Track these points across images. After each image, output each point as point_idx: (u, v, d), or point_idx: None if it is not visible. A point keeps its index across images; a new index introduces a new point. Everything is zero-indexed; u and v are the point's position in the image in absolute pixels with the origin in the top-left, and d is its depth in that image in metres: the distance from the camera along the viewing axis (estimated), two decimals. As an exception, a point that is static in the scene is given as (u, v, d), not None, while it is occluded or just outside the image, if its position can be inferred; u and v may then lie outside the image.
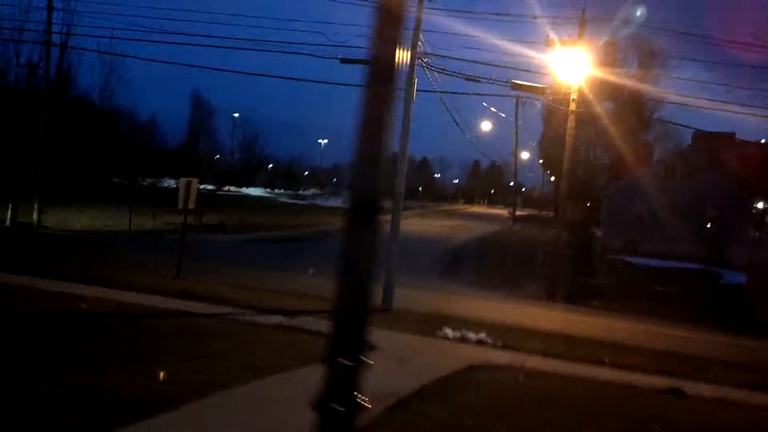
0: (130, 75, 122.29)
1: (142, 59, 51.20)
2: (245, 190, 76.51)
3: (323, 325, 13.96)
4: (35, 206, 28.51)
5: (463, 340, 15.19)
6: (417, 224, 55.00)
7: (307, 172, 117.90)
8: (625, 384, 12.05)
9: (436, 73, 21.10)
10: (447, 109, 24.16)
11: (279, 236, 35.82)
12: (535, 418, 7.84)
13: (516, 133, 54.88)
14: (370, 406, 3.07)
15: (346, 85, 20.63)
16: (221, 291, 17.40)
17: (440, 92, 20.66)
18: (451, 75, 19.73)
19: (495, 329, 16.78)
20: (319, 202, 66.27)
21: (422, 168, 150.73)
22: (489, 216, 65.43)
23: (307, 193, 79.79)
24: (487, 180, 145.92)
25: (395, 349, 12.72)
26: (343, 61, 19.81)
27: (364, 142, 3.26)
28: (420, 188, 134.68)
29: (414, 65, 19.11)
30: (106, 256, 21.87)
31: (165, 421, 6.41)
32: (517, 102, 51.34)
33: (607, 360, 14.61)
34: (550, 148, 70.19)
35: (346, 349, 3.15)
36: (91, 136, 54.16)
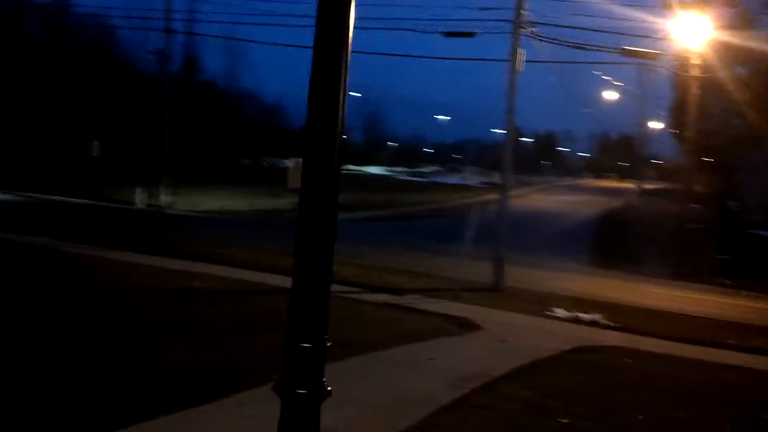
0: (254, 58, 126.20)
1: (263, 43, 52.11)
2: (365, 169, 77.44)
3: (430, 304, 14.19)
4: (163, 188, 29.97)
5: (576, 320, 14.68)
6: (537, 200, 53.76)
7: (428, 150, 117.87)
8: (746, 368, 11.27)
9: (544, 42, 20.33)
10: (558, 80, 23.23)
11: (394, 214, 36.01)
12: (625, 401, 7.45)
13: (642, 102, 52.36)
14: (330, 389, 2.90)
15: (455, 59, 20.16)
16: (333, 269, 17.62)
17: (545, 62, 19.90)
18: (553, 43, 18.91)
19: (611, 309, 16.16)
20: (438, 179, 66.15)
21: (548, 142, 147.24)
22: (616, 190, 63.07)
23: (426, 170, 79.75)
24: (618, 152, 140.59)
25: (499, 329, 12.47)
26: (447, 34, 19.46)
27: (317, 114, 3.02)
28: (546, 163, 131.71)
29: (518, 34, 18.47)
30: (228, 236, 22.64)
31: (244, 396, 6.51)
32: (640, 70, 48.86)
33: (732, 342, 13.76)
34: (681, 117, 66.77)
35: (306, 332, 2.97)
36: (218, 119, 56.21)
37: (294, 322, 3.01)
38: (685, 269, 25.23)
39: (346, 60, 3.09)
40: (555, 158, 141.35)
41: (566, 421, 6.52)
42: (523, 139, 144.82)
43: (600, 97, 52.15)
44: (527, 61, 19.23)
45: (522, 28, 18.86)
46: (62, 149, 27.73)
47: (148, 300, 11.40)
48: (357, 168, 71.66)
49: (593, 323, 14.54)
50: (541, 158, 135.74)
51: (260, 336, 9.12)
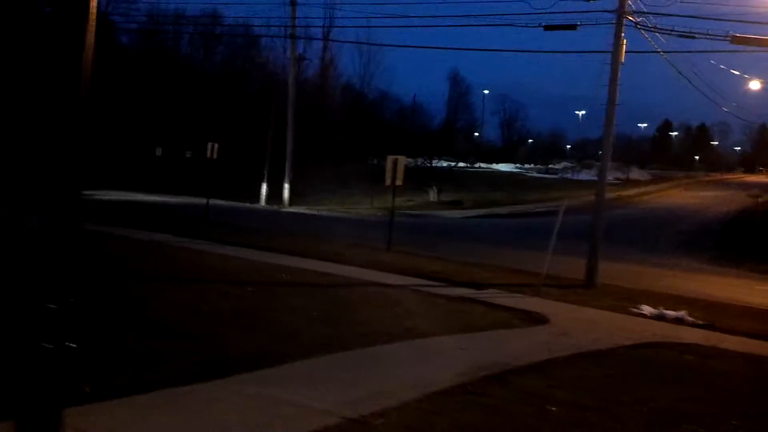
0: (388, 60, 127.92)
1: (397, 46, 53.35)
2: (495, 166, 76.93)
3: (506, 299, 14.34)
4: (286, 187, 31.48)
5: (660, 317, 14.30)
6: (672, 196, 51.40)
7: (569, 146, 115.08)
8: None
9: (652, 32, 19.71)
10: (678, 70, 22.24)
11: (512, 212, 35.81)
12: (643, 395, 7.38)
13: (791, 91, 48.68)
14: (74, 345, 3.24)
15: (557, 52, 19.93)
16: (420, 263, 18.09)
17: (647, 52, 19.29)
18: (657, 32, 18.30)
19: (705, 307, 15.61)
20: (569, 176, 64.63)
21: (699, 135, 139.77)
22: (765, 185, 59.11)
23: (558, 167, 78.05)
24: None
25: (568, 324, 12.43)
26: (547, 28, 19.32)
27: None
28: (696, 157, 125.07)
29: (622, 23, 18.08)
30: (335, 233, 23.62)
31: (270, 374, 7.13)
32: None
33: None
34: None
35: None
36: (354, 120, 57.81)
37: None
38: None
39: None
40: (707, 152, 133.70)
41: (554, 409, 6.65)
42: (672, 133, 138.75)
43: (745, 88, 49.10)
44: (628, 52, 18.83)
45: (626, 17, 18.47)
46: (196, 152, 29.78)
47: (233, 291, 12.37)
48: (487, 166, 71.35)
49: (678, 320, 14.11)
50: (692, 152, 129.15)
51: (302, 325, 9.81)
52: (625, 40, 18.30)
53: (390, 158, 19.90)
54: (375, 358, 8.24)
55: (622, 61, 18.21)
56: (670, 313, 14.51)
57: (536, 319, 12.65)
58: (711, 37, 17.08)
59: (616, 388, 7.70)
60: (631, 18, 18.47)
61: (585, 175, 60.46)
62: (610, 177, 69.74)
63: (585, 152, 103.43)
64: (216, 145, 23.09)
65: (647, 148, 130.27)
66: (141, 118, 38.41)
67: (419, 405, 6.42)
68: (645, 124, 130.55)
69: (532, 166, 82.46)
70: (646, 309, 14.72)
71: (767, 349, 11.91)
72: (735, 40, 17.45)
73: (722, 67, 21.45)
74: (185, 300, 11.01)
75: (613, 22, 18.25)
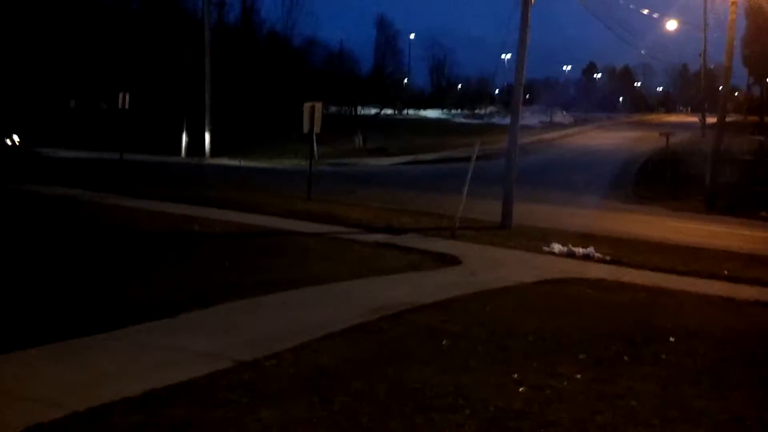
0: (314, 5, 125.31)
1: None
2: (423, 113, 77.03)
3: (422, 242, 14.53)
4: (207, 138, 30.87)
5: (569, 255, 14.73)
6: (592, 137, 52.65)
7: (497, 90, 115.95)
8: (719, 296, 11.20)
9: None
10: (592, 13, 22.43)
11: (437, 158, 36.08)
12: (535, 326, 7.64)
13: (705, 30, 50.07)
14: None
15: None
16: (340, 211, 18.12)
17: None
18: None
19: (613, 243, 16.15)
20: (495, 120, 65.23)
21: (623, 77, 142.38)
22: (683, 125, 60.84)
23: (484, 112, 78.75)
24: (697, 86, 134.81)
25: (479, 264, 12.72)
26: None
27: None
28: (620, 99, 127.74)
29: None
30: (255, 184, 23.42)
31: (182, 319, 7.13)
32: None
33: (726, 272, 13.60)
34: (754, 47, 63.49)
35: None
36: (281, 68, 56.66)
37: None
38: (721, 203, 24.61)
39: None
40: (631, 93, 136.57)
41: (446, 342, 6.85)
42: (597, 75, 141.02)
43: (660, 28, 50.15)
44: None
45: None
46: (111, 104, 28.78)
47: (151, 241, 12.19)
48: (415, 112, 71.36)
49: (586, 257, 14.56)
50: (616, 94, 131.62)
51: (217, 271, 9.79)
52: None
53: (307, 105, 19.71)
54: (278, 304, 8.29)
55: (532, 2, 18.31)
56: (579, 250, 14.95)
57: (448, 261, 12.87)
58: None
59: (509, 321, 7.96)
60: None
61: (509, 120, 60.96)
62: (535, 120, 71.26)
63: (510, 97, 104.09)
64: (127, 95, 22.40)
65: (573, 92, 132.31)
66: (53, 67, 36.85)
67: (312, 345, 6.51)
68: (569, 67, 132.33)
69: (459, 111, 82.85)
70: (556, 247, 15.12)
71: (668, 281, 12.41)
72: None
73: (631, 6, 21.78)
74: (92, 252, 10.82)
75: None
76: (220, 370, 5.76)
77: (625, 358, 6.70)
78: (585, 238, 16.45)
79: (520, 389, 5.58)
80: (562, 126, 67.01)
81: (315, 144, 33.71)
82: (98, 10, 45.22)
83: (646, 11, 23.46)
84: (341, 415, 4.85)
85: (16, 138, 30.12)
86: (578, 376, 6.01)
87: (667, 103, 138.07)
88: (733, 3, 26.51)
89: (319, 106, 19.75)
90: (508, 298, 9.50)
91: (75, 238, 12.09)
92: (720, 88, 33.92)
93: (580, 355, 6.67)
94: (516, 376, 5.89)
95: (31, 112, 31.79)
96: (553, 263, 13.64)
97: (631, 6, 23.50)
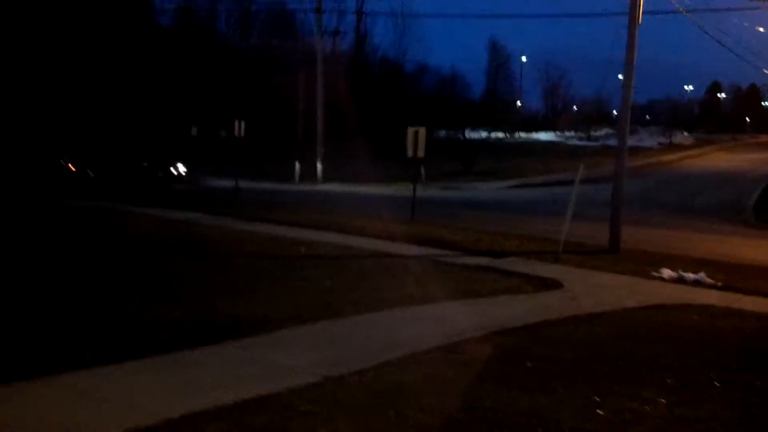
0: (425, 31, 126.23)
1: (434, 16, 52.98)
2: (535, 135, 76.05)
3: (523, 266, 14.45)
4: (318, 166, 31.77)
5: (679, 280, 14.22)
6: (715, 159, 50.32)
7: (615, 111, 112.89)
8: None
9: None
10: (704, 30, 21.79)
11: (545, 181, 35.58)
12: (626, 351, 7.51)
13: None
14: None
15: (572, 16, 19.69)
16: (442, 234, 18.25)
17: (667, 12, 18.94)
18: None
19: (728, 269, 15.46)
20: (610, 142, 63.46)
21: (749, 96, 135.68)
22: (816, 145, 57.54)
23: (599, 134, 76.79)
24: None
25: (582, 288, 12.50)
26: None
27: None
28: (746, 119, 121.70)
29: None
30: (363, 208, 23.92)
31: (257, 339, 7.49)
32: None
33: None
34: None
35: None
36: (392, 94, 57.58)
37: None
38: None
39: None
40: (758, 113, 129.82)
41: (530, 364, 6.85)
42: (721, 94, 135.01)
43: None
44: (646, 13, 18.54)
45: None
46: (230, 132, 30.16)
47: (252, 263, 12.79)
48: (527, 135, 70.57)
49: (697, 283, 14.02)
50: (742, 114, 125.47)
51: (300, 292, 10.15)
52: (642, 1, 18.01)
53: (410, 130, 20.05)
54: (369, 324, 8.53)
55: (640, 22, 17.94)
56: (690, 275, 14.41)
57: (549, 285, 12.73)
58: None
59: (601, 345, 7.85)
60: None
61: (628, 141, 59.19)
62: (653, 142, 68.93)
63: (632, 118, 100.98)
64: (243, 123, 23.47)
65: (696, 111, 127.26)
66: (178, 97, 39.14)
67: (396, 363, 6.69)
68: (691, 87, 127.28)
69: (573, 134, 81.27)
70: (666, 272, 14.64)
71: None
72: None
73: (745, 24, 20.93)
74: (201, 270, 11.47)
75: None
76: (306, 384, 6.04)
77: (716, 383, 6.50)
78: (697, 263, 15.82)
79: (599, 411, 5.54)
80: (682, 147, 64.47)
81: (422, 169, 34.11)
82: (218, 45, 47.84)
83: (762, 29, 22.39)
84: (413, 429, 5.00)
85: (181, 167, 30.26)
86: (662, 400, 5.90)
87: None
88: None
89: (422, 130, 20.03)
90: (605, 323, 9.34)
91: (187, 258, 12.84)
92: None
93: (668, 379, 6.52)
94: (597, 398, 5.85)
95: (159, 138, 33.87)
96: (660, 289, 13.22)
97: (746, 24, 22.50)
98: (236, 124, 23.70)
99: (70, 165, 27.10)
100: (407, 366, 6.61)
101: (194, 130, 31.11)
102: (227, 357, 6.89)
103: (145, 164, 28.40)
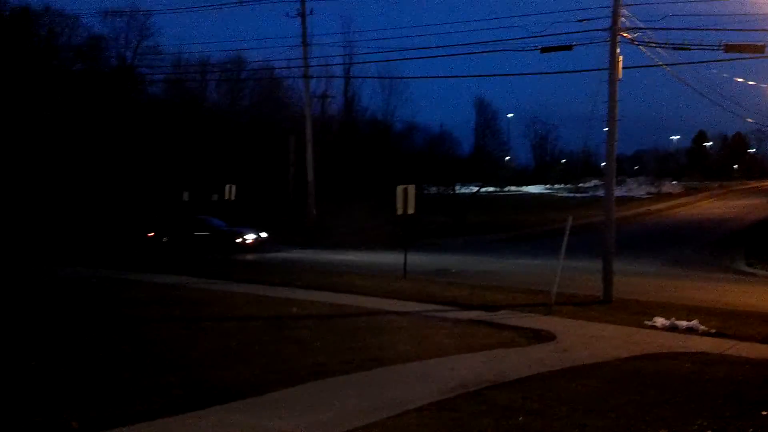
0: (412, 92, 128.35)
1: (419, 77, 54.01)
2: (525, 188, 76.59)
3: (516, 319, 14.41)
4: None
5: (672, 328, 14.21)
6: (703, 206, 50.69)
7: (603, 163, 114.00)
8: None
9: (649, 47, 19.77)
10: (686, 83, 22.25)
11: (536, 233, 35.68)
12: (620, 403, 7.46)
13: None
14: None
15: (553, 73, 20.05)
16: (434, 290, 18.24)
17: (644, 66, 19.33)
18: (651, 46, 18.37)
19: (720, 315, 15.45)
20: (599, 193, 64.12)
21: (735, 144, 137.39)
22: (804, 190, 58.11)
23: (588, 185, 77.50)
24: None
25: (575, 340, 12.47)
26: (543, 50, 19.54)
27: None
28: (734, 166, 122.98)
29: (616, 41, 18.23)
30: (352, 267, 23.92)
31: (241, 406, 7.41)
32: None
33: (843, 345, 12.72)
34: None
35: None
36: (382, 153, 58.04)
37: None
38: None
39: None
40: (744, 160, 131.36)
41: (521, 419, 6.79)
42: (707, 143, 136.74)
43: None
44: (626, 68, 18.94)
45: (620, 34, 18.60)
46: (221, 196, 30.40)
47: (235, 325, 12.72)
48: (517, 189, 71.09)
49: (690, 330, 14.01)
50: (729, 162, 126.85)
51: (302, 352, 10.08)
52: (621, 57, 18.40)
53: (400, 188, 20.20)
54: (359, 383, 8.45)
55: (620, 77, 18.32)
56: (682, 323, 14.39)
57: (542, 337, 12.70)
58: (704, 47, 17.10)
59: (594, 398, 7.78)
60: (625, 35, 18.55)
61: (617, 192, 59.85)
62: (641, 191, 69.40)
63: (620, 169, 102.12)
64: (234, 187, 23.65)
65: (684, 161, 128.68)
66: (169, 164, 39.47)
67: (386, 423, 6.62)
68: (677, 137, 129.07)
69: (562, 186, 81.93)
70: (659, 321, 14.63)
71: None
72: (728, 48, 17.43)
73: (725, 75, 21.37)
74: (182, 335, 11.41)
75: (608, 40, 18.41)
76: (297, 446, 5.96)
77: (710, 432, 6.46)
78: (690, 311, 15.81)
79: (590, 464, 5.49)
80: (670, 196, 65.04)
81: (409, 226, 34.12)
82: (208, 112, 48.42)
83: (740, 79, 22.84)
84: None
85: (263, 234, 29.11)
86: (656, 451, 5.85)
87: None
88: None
89: (411, 188, 20.20)
90: (598, 375, 9.28)
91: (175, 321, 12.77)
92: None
93: (661, 430, 6.47)
94: (590, 452, 5.80)
95: (151, 205, 34.03)
96: (653, 338, 13.17)
97: (725, 75, 22.98)
98: (227, 188, 23.87)
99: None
100: (397, 425, 6.54)
101: (186, 195, 31.30)
102: (217, 423, 6.81)
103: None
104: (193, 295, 16.69)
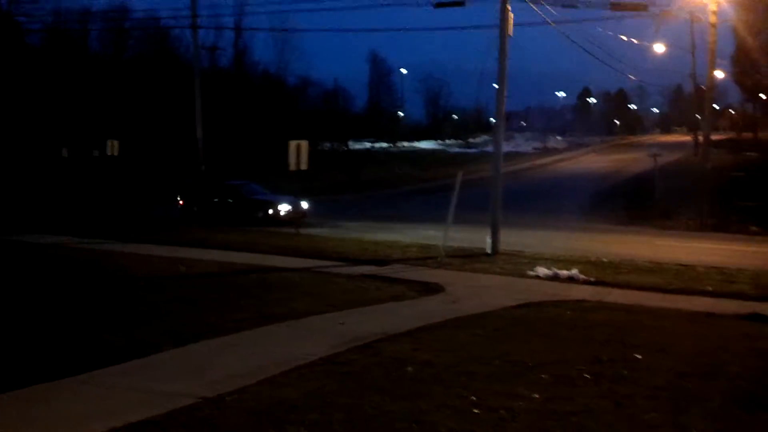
0: (307, 46, 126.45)
1: (312, 30, 53.03)
2: (417, 144, 77.50)
3: (407, 272, 14.62)
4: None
5: (554, 277, 14.82)
6: (586, 161, 53.01)
7: (492, 119, 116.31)
8: (701, 312, 11.29)
9: (540, 4, 20.17)
10: (572, 40, 22.88)
11: (427, 188, 36.26)
12: (503, 351, 7.73)
13: (693, 52, 50.39)
14: None
15: (446, 29, 20.17)
16: (327, 246, 18.26)
17: (535, 24, 19.78)
18: (543, 4, 18.78)
19: (599, 265, 16.21)
20: (489, 149, 65.72)
21: (617, 100, 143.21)
22: (677, 144, 61.26)
23: (477, 140, 79.22)
24: (690, 105, 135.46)
25: (462, 291, 12.80)
26: (437, 5, 19.62)
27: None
28: (616, 122, 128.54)
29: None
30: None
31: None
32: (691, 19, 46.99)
33: (710, 288, 13.65)
34: (743, 64, 64.02)
35: None
36: (275, 108, 57.05)
37: None
38: (711, 220, 24.68)
39: None
40: (627, 116, 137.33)
41: (410, 369, 6.93)
42: (591, 99, 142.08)
43: (649, 51, 50.56)
44: (517, 24, 19.24)
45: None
46: (103, 151, 29.01)
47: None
48: (410, 144, 71.79)
49: (571, 280, 14.64)
50: (612, 117, 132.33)
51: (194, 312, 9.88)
52: (512, 14, 18.69)
53: (292, 143, 20.00)
54: (250, 341, 8.37)
55: (510, 34, 18.62)
56: (564, 272, 15.04)
57: (432, 290, 12.97)
58: (591, 6, 17.63)
59: (481, 346, 8.03)
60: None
61: (505, 147, 61.45)
62: (528, 147, 71.62)
63: (508, 125, 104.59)
64: (116, 143, 22.67)
65: (569, 117, 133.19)
66: (49, 118, 37.42)
67: (277, 379, 6.60)
68: (563, 93, 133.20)
69: (453, 141, 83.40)
70: (541, 271, 15.22)
71: (650, 300, 12.49)
72: (613, 6, 18.07)
73: (609, 33, 22.09)
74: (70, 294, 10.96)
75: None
76: (182, 407, 5.85)
77: (587, 376, 6.78)
78: (571, 261, 16.52)
79: (475, 411, 5.66)
80: (556, 151, 67.45)
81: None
82: (91, 59, 45.99)
83: (624, 37, 23.74)
84: (293, 445, 4.94)
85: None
86: (536, 396, 6.09)
87: (662, 124, 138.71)
88: (713, 26, 26.84)
89: (304, 144, 20.01)
90: (485, 324, 9.57)
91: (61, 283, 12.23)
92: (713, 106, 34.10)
93: (543, 375, 6.75)
94: (474, 398, 5.97)
95: (25, 162, 32.15)
96: (537, 287, 13.70)
97: (610, 33, 23.78)
98: (109, 143, 22.84)
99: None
100: (288, 381, 6.53)
101: (65, 151, 29.70)
102: (100, 385, 6.59)
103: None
104: (78, 255, 16.05)
